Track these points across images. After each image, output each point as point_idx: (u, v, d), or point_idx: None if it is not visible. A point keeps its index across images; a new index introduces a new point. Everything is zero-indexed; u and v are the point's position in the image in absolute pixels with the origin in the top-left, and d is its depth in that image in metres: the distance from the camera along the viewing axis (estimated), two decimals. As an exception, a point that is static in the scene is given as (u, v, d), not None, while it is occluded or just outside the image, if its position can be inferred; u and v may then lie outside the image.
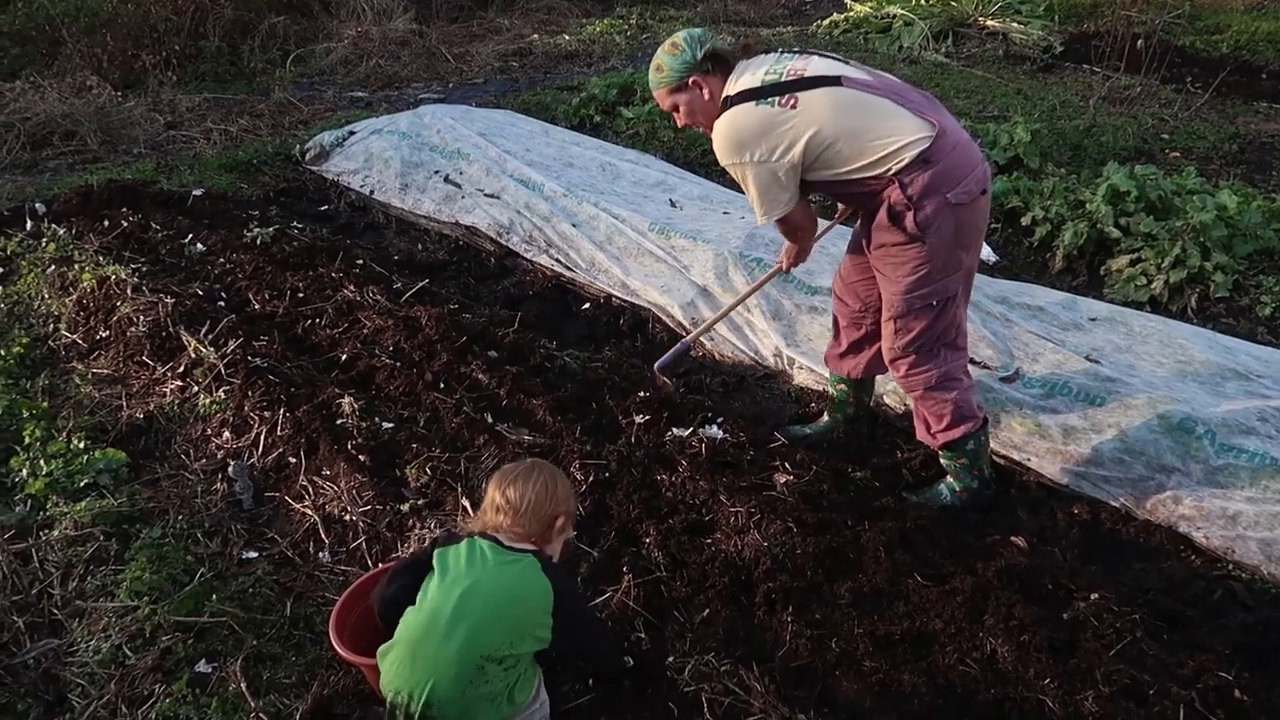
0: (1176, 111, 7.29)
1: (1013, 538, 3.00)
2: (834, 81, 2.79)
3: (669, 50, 2.92)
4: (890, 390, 3.69)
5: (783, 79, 2.79)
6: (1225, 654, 2.47)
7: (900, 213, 2.78)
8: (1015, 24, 9.67)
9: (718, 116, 2.87)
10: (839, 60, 2.90)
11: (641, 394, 3.60)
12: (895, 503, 3.05)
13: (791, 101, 2.76)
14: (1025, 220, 5.20)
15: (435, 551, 2.10)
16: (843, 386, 3.50)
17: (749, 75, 2.83)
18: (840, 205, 3.44)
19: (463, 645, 1.92)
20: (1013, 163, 5.93)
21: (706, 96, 2.91)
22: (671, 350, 3.47)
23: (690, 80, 2.90)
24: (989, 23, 9.79)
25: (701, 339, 4.16)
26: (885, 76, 2.91)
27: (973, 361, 3.70)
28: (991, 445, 3.38)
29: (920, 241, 2.80)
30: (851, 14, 10.71)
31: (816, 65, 2.84)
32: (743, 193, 3.01)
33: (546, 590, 2.04)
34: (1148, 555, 3.00)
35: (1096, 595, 2.62)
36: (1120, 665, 2.36)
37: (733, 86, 2.84)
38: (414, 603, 2.06)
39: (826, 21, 10.81)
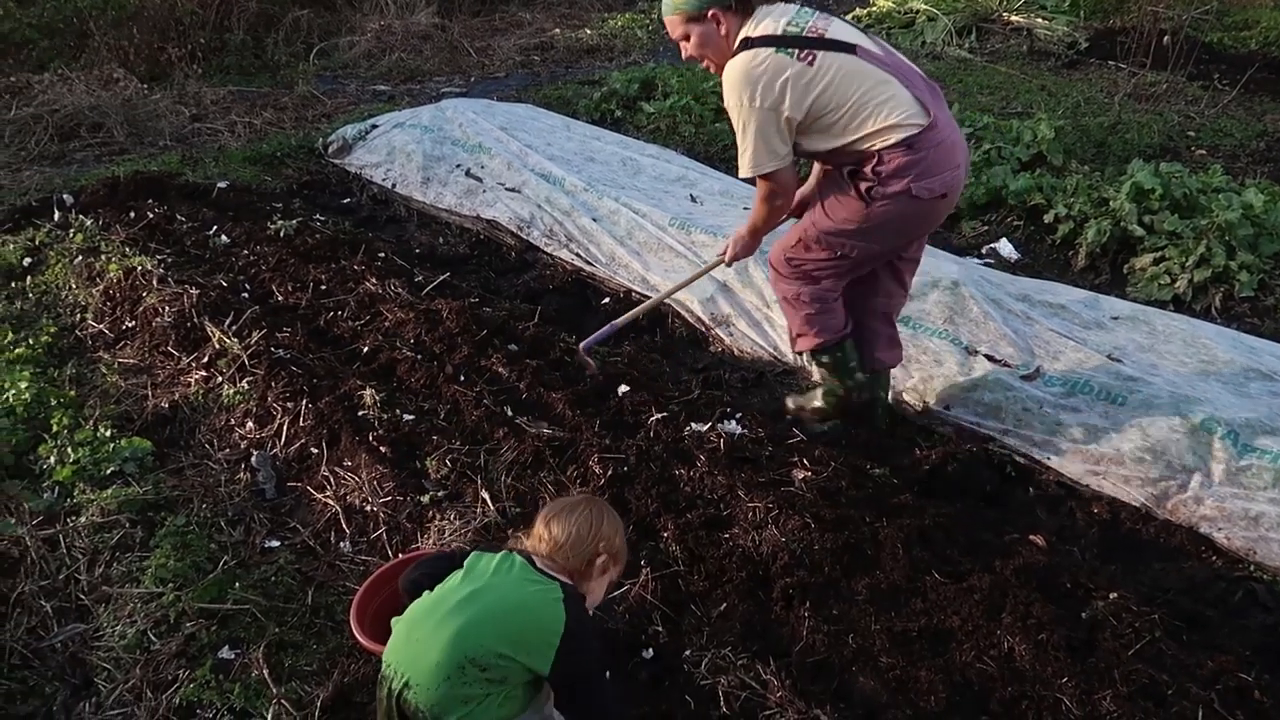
0: (1203, 109, 7.22)
1: (1031, 536, 2.99)
2: (849, 49, 2.82)
3: None
4: (910, 389, 3.69)
5: (804, 33, 2.79)
6: (1245, 655, 2.46)
7: (861, 178, 2.88)
8: (1040, 19, 9.60)
9: (730, 55, 2.85)
10: (857, 29, 2.92)
11: (673, 393, 3.61)
12: (914, 500, 3.05)
13: (810, 58, 2.77)
14: (1048, 218, 5.17)
15: (472, 553, 2.11)
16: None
17: (770, 21, 2.82)
18: None
19: (451, 638, 1.89)
20: (1036, 159, 5.89)
21: (723, 32, 2.87)
22: (599, 331, 3.35)
23: (710, 12, 2.85)
24: (1013, 18, 9.71)
25: (720, 334, 4.17)
26: (896, 55, 2.94)
27: (992, 359, 3.69)
28: (1011, 443, 3.39)
29: (864, 204, 2.91)
30: (874, 8, 10.66)
31: (837, 28, 2.86)
32: None
33: (558, 619, 1.93)
34: (1168, 555, 2.98)
35: (1116, 595, 2.61)
36: (1139, 665, 2.35)
37: (754, 29, 2.82)
38: (432, 589, 2.08)
39: (849, 16, 10.76)
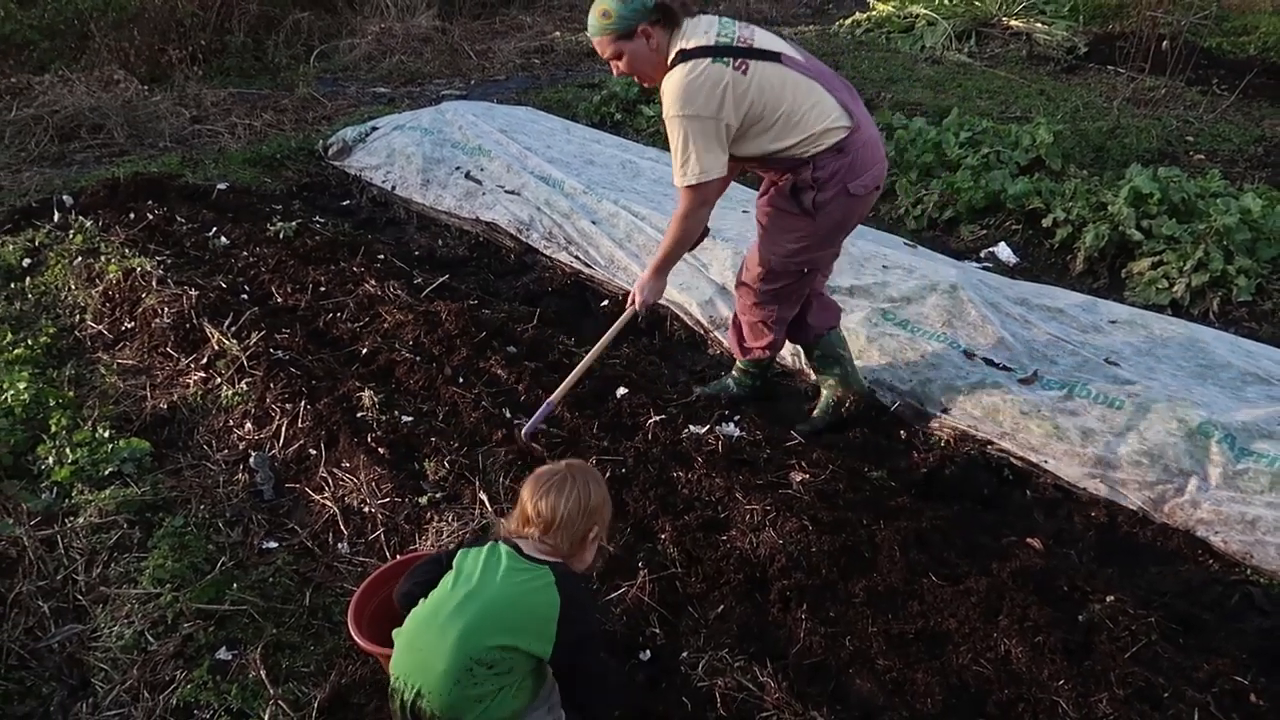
0: (1201, 114, 7.23)
1: (1028, 539, 2.99)
2: (775, 57, 2.95)
3: None
4: (908, 391, 3.69)
5: (735, 43, 2.91)
6: (1241, 658, 2.46)
7: (803, 189, 3.02)
8: (1039, 24, 9.62)
9: (665, 68, 2.94)
10: (779, 37, 3.05)
11: (672, 395, 3.62)
12: (911, 503, 3.05)
13: (744, 67, 2.89)
14: (1046, 222, 5.18)
15: (459, 552, 2.11)
16: (810, 362, 3.72)
17: (701, 33, 2.92)
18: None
19: (454, 645, 1.91)
20: (1034, 164, 5.90)
21: (653, 47, 2.95)
22: (536, 414, 3.26)
23: (639, 29, 2.92)
24: (1012, 23, 9.74)
25: (718, 336, 4.17)
26: (815, 60, 3.10)
27: (990, 362, 3.70)
28: (1008, 447, 3.40)
29: (811, 218, 3.07)
30: (874, 13, 10.68)
31: (760, 37, 3.00)
32: None
33: (553, 604, 1.96)
34: (1164, 559, 2.99)
35: (1112, 598, 2.61)
36: (1135, 668, 2.36)
37: (687, 42, 2.91)
38: (426, 596, 2.08)
39: (849, 21, 10.79)
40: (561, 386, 3.32)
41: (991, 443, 3.45)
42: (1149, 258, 4.73)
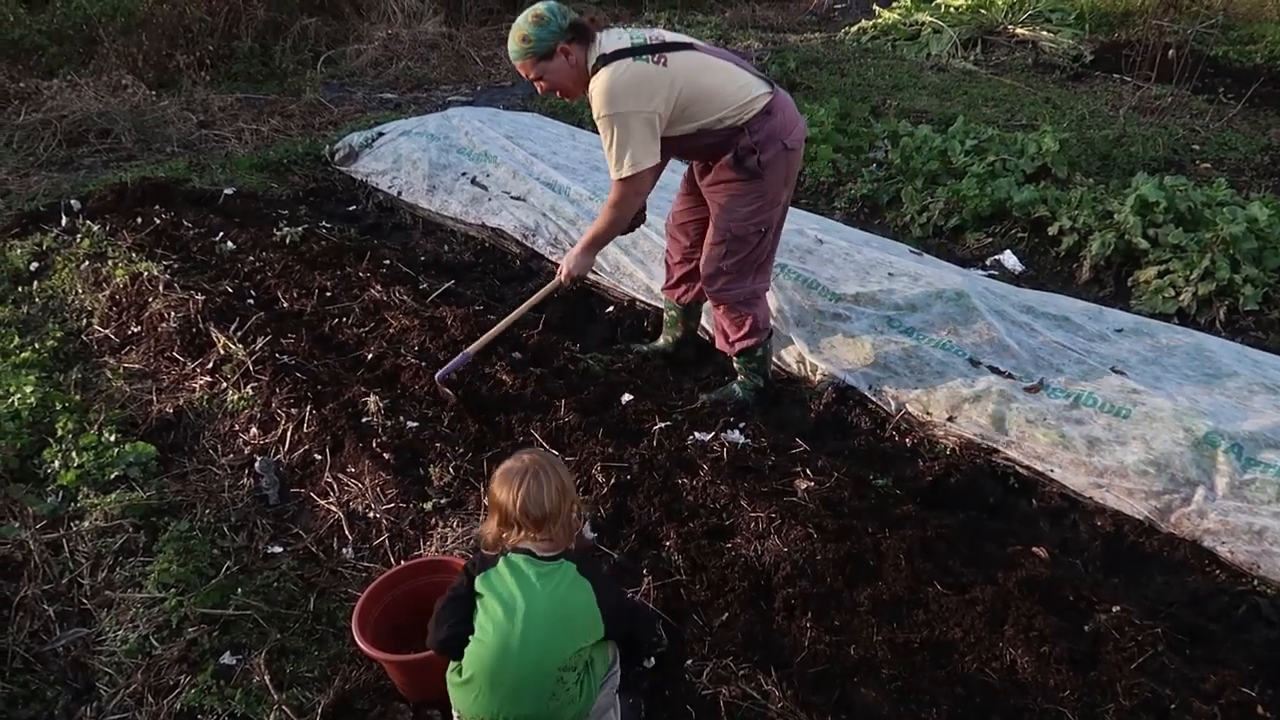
0: (1208, 122, 7.23)
1: (1034, 548, 2.98)
2: (687, 46, 3.23)
3: (534, 22, 3.14)
4: (913, 399, 3.68)
5: (648, 42, 3.17)
6: (1248, 670, 2.46)
7: (745, 155, 3.26)
8: (1045, 32, 9.62)
9: (586, 79, 3.19)
10: (682, 32, 3.30)
11: (678, 401, 3.62)
12: (917, 511, 3.05)
13: (662, 60, 3.14)
14: (1052, 230, 5.18)
15: (477, 579, 2.13)
16: (674, 313, 4.06)
17: (615, 40, 3.17)
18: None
19: (538, 666, 2.02)
20: (1040, 172, 5.90)
21: (573, 63, 3.18)
22: (452, 361, 3.50)
23: (558, 48, 3.15)
24: (1018, 31, 9.74)
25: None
26: (718, 47, 3.45)
27: (996, 370, 3.69)
28: (1014, 455, 3.39)
29: (759, 178, 3.31)
30: (880, 21, 10.69)
31: (669, 35, 3.28)
32: None
33: (588, 590, 2.11)
34: (1171, 569, 2.98)
35: (1118, 608, 2.61)
36: (1141, 679, 2.35)
37: (605, 49, 3.14)
38: (473, 631, 2.10)
39: (854, 28, 10.80)
40: (479, 341, 3.63)
41: (997, 451, 3.45)
42: (1155, 266, 4.73)
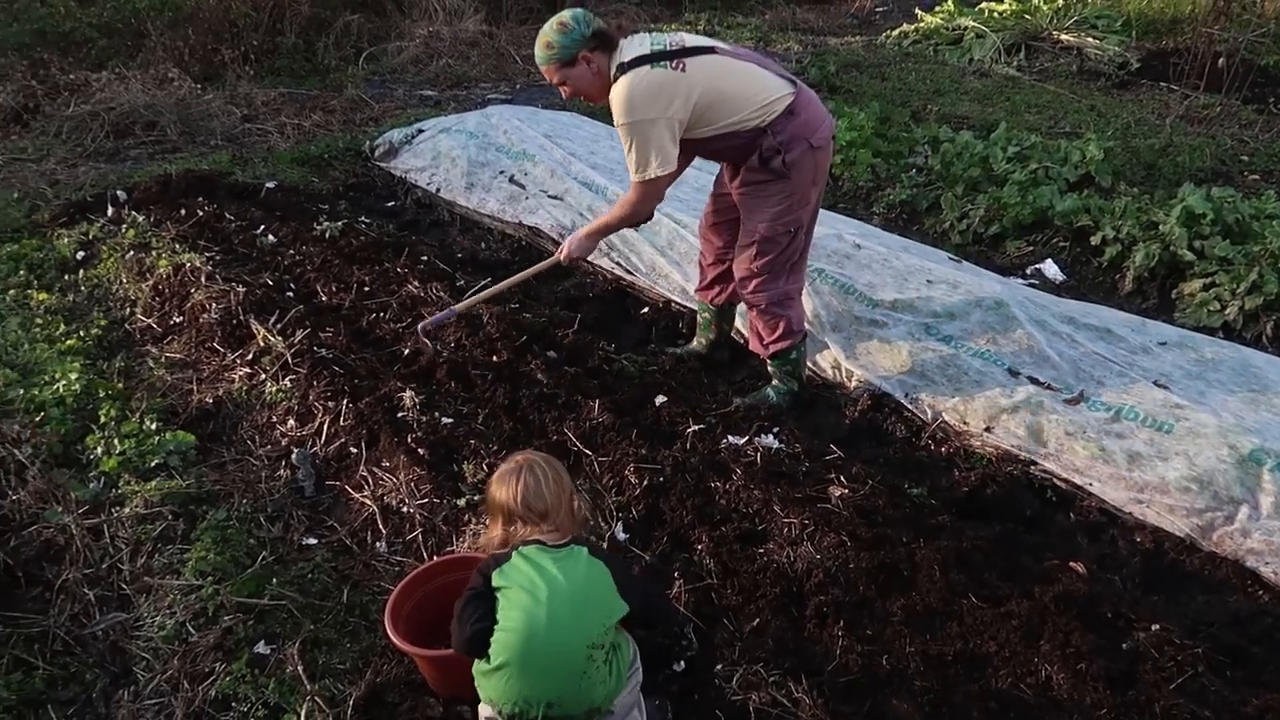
0: (1257, 133, 7.09)
1: (1072, 563, 2.94)
2: (709, 51, 3.26)
3: (558, 29, 3.21)
4: (950, 408, 3.65)
5: (668, 48, 3.21)
6: (1292, 694, 2.40)
7: (770, 156, 3.29)
8: (1090, 39, 9.49)
9: (608, 85, 3.24)
10: (706, 36, 3.31)
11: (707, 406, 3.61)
12: (952, 522, 3.01)
13: (681, 66, 3.18)
14: (1095, 240, 5.10)
15: (493, 575, 2.15)
16: (707, 315, 4.08)
17: (636, 47, 3.21)
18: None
19: (566, 645, 2.06)
20: (1084, 180, 5.82)
21: (595, 70, 3.25)
22: (438, 315, 3.76)
23: (580, 55, 3.22)
24: (1063, 37, 9.61)
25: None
26: (742, 48, 3.46)
27: (1035, 381, 3.64)
28: (1052, 467, 3.35)
29: (786, 179, 3.32)
30: (922, 25, 10.60)
31: (691, 39, 3.31)
32: None
33: (604, 570, 2.17)
34: (1212, 588, 2.92)
35: (1158, 626, 2.56)
36: (1180, 700, 2.31)
37: (624, 57, 3.19)
38: (496, 623, 2.11)
39: (896, 32, 10.71)
40: (467, 300, 3.82)
41: (1035, 463, 3.40)
42: (1201, 279, 4.64)
